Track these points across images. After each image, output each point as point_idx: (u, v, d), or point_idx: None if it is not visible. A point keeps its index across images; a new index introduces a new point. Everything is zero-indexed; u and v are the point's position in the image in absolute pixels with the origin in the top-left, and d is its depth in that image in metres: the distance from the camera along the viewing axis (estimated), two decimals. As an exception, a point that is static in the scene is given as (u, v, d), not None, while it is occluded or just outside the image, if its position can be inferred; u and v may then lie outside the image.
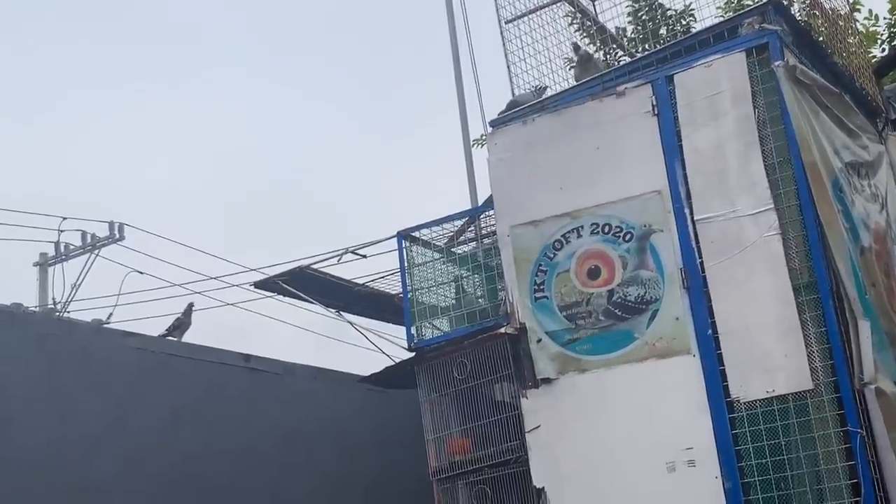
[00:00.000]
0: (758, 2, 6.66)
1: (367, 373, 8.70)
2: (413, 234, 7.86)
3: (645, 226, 6.49)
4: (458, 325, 7.44)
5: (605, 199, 6.63)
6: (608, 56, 9.61)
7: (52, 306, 14.16)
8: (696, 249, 6.31)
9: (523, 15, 7.89)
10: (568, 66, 7.94)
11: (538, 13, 8.08)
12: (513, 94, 7.61)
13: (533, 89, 7.67)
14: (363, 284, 9.30)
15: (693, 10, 9.20)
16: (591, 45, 9.32)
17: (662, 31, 9.74)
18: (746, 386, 6.01)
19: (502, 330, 6.85)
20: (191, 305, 11.07)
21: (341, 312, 9.39)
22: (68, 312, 13.54)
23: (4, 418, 7.97)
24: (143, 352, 9.28)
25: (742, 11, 6.82)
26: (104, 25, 37.05)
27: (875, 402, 5.88)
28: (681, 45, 6.78)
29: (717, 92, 6.39)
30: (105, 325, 10.88)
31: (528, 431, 6.60)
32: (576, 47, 7.74)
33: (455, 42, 9.55)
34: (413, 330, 7.61)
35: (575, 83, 7.41)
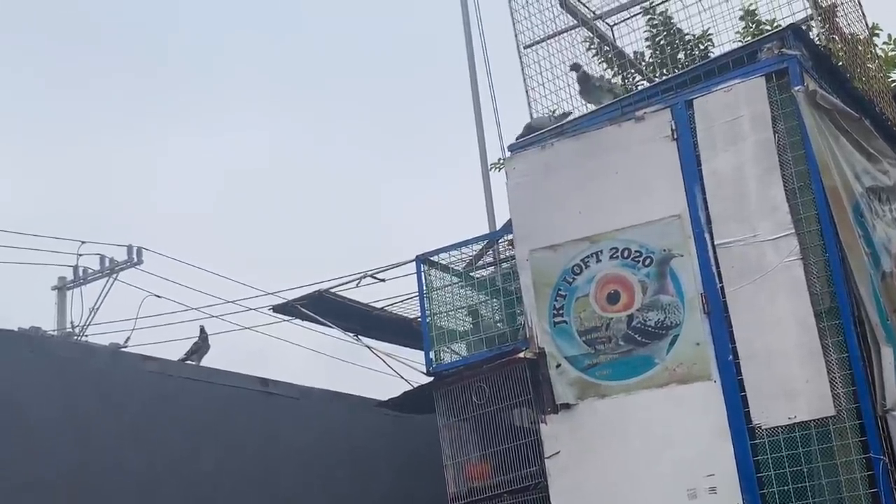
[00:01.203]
0: (777, 27, 6.66)
1: (384, 397, 8.68)
2: (432, 258, 7.86)
3: (665, 250, 6.48)
4: (477, 349, 7.42)
5: (625, 224, 6.62)
6: (626, 81, 9.63)
7: (71, 330, 14.23)
8: (716, 274, 6.29)
9: (542, 40, 7.93)
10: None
11: (556, 38, 8.12)
12: (531, 117, 7.62)
13: (550, 113, 7.68)
14: (382, 308, 9.29)
15: (711, 34, 9.22)
16: (609, 70, 9.36)
17: (680, 56, 9.74)
18: (768, 412, 5.96)
19: (521, 355, 6.82)
20: (202, 329, 11.09)
21: (359, 337, 9.37)
22: (86, 336, 13.61)
23: (24, 441, 7.98)
24: (161, 375, 9.29)
25: (762, 36, 6.82)
26: (117, 48, 37.35)
27: (898, 428, 5.83)
28: (700, 69, 6.79)
29: (736, 116, 6.38)
30: (123, 349, 10.92)
31: (548, 457, 6.57)
32: (574, 66, 7.72)
33: (473, 67, 9.57)
34: (431, 354, 7.60)
35: (594, 108, 7.42)
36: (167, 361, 9.70)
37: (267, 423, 10.03)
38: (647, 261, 6.52)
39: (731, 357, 6.14)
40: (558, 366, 6.64)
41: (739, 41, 8.50)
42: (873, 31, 9.53)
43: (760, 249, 6.17)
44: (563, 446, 6.53)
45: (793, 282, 6.04)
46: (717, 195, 6.37)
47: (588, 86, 7.51)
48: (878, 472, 5.68)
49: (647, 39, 9.94)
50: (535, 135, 7.26)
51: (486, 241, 7.94)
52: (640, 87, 8.10)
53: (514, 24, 7.97)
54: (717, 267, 6.29)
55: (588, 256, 6.70)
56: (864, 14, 8.53)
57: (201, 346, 10.88)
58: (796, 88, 6.22)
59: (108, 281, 15.23)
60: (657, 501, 6.21)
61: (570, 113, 7.59)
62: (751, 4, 9.37)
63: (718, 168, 6.39)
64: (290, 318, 9.67)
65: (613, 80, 7.90)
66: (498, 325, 7.69)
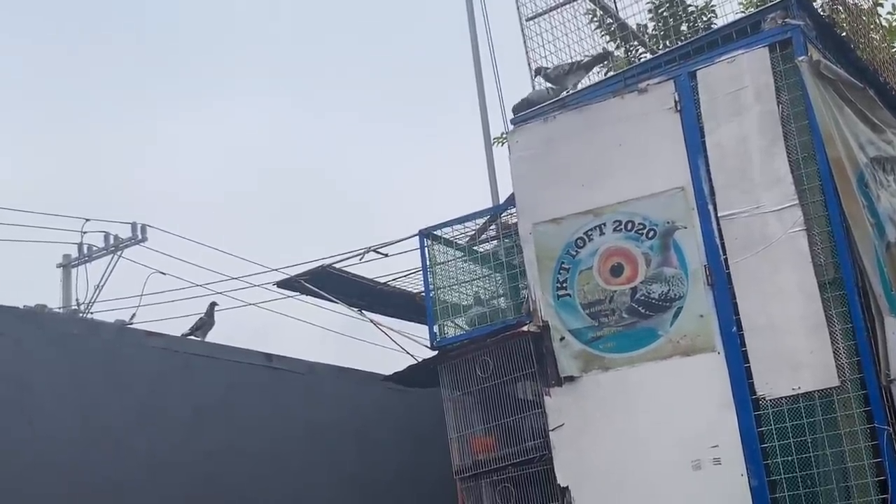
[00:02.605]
0: (780, -3, 6.60)
1: (388, 372, 8.70)
2: (435, 232, 7.85)
3: (668, 223, 6.46)
4: (481, 323, 7.43)
5: (628, 196, 6.60)
6: (629, 53, 9.57)
7: (76, 307, 14.27)
8: (720, 246, 6.28)
9: (544, 12, 7.87)
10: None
11: (559, 10, 8.06)
12: (533, 89, 7.58)
13: (549, 87, 7.61)
14: (385, 283, 9.29)
15: (714, 6, 9.16)
16: (612, 43, 9.29)
17: (683, 27, 9.67)
18: (772, 383, 5.97)
19: (525, 328, 6.83)
20: (213, 305, 11.11)
21: (363, 311, 9.38)
22: (91, 313, 13.66)
23: (29, 417, 8.01)
24: (166, 351, 9.31)
25: (765, 6, 6.77)
26: (130, 26, 37.22)
27: (902, 398, 5.83)
28: (703, 40, 6.74)
29: (740, 87, 6.35)
30: (128, 326, 10.93)
31: (552, 430, 6.58)
32: (537, 71, 7.64)
33: (475, 40, 9.55)
34: (435, 328, 7.60)
35: (597, 81, 7.38)
36: (172, 337, 9.72)
37: (272, 399, 10.06)
38: (651, 233, 6.51)
39: (734, 329, 6.14)
40: (562, 339, 6.64)
41: (743, 12, 8.43)
42: (877, 1, 9.46)
43: (764, 220, 6.15)
44: (567, 419, 6.55)
45: (797, 253, 6.03)
46: (721, 167, 6.34)
47: (556, 78, 7.45)
48: (883, 442, 5.68)
49: (649, 11, 9.87)
50: (536, 108, 7.22)
51: (489, 216, 7.92)
52: (643, 59, 8.04)
53: (516, -5, 7.91)
54: (721, 239, 6.28)
55: (591, 229, 6.68)
56: (868, -17, 8.49)
57: (206, 321, 10.90)
58: (800, 59, 6.17)
59: (112, 258, 15.30)
60: (661, 473, 6.23)
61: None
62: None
63: (722, 139, 6.36)
64: (295, 293, 9.68)
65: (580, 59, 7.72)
66: (500, 299, 7.70)
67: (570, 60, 7.68)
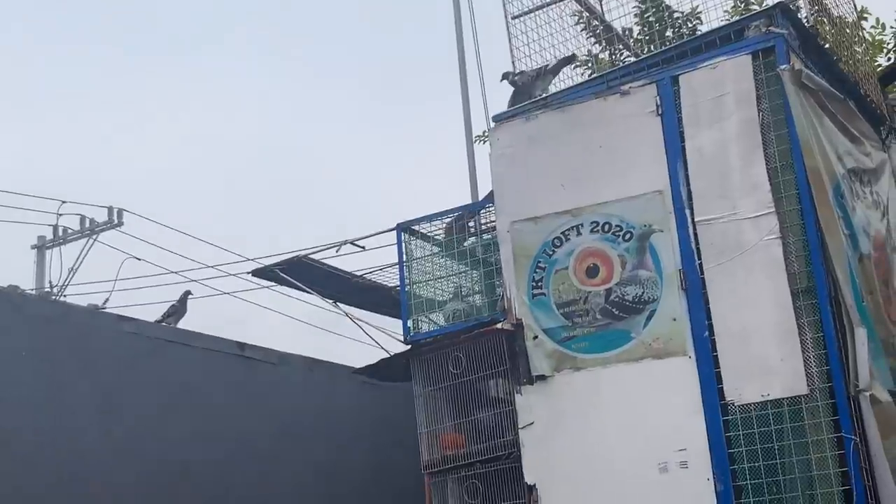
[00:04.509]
0: (765, 5, 6.64)
1: (361, 365, 8.69)
2: (413, 227, 7.85)
3: (645, 226, 6.48)
4: (459, 319, 7.43)
5: (607, 198, 6.61)
6: (613, 56, 9.60)
7: (49, 290, 14.17)
8: (695, 251, 6.29)
9: (530, 11, 7.86)
10: (572, 66, 7.91)
11: (545, 10, 8.06)
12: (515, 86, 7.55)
13: (533, 72, 7.56)
14: (361, 276, 9.27)
15: (700, 12, 9.18)
16: (598, 45, 9.31)
17: (669, 33, 9.71)
18: (741, 389, 5.99)
19: (499, 326, 6.83)
20: (187, 293, 11.07)
21: (338, 303, 9.36)
22: (65, 296, 13.56)
23: (-2, 398, 7.97)
24: (138, 336, 9.28)
25: (750, 14, 6.80)
26: (102, 7, 37.00)
27: (870, 409, 5.85)
28: (687, 46, 6.77)
29: (721, 94, 6.37)
30: (101, 310, 10.87)
31: (522, 428, 6.59)
32: (505, 76, 7.63)
33: (460, 36, 9.53)
34: (409, 323, 7.60)
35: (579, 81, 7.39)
36: (144, 322, 9.69)
37: (244, 388, 10.05)
38: (628, 235, 6.53)
39: (706, 333, 6.16)
40: (535, 337, 6.65)
41: (728, 20, 8.47)
42: (861, 14, 9.52)
43: (740, 227, 6.17)
44: (538, 417, 6.56)
45: (771, 260, 6.05)
46: (700, 172, 6.36)
47: (524, 84, 7.45)
48: (849, 452, 5.71)
49: (636, 15, 9.90)
50: (518, 107, 7.21)
51: (467, 212, 7.92)
52: (627, 62, 8.06)
53: (502, -8, 7.90)
54: (697, 243, 6.30)
55: (569, 229, 6.69)
56: (853, -4, 8.53)
57: (178, 308, 10.87)
58: (782, 67, 6.20)
59: (87, 241, 15.19)
60: (628, 474, 6.24)
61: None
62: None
63: (702, 145, 6.38)
64: (270, 283, 9.65)
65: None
66: (476, 297, 7.70)
67: (537, 66, 7.67)
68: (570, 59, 7.69)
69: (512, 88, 7.53)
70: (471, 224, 7.94)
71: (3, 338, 8.18)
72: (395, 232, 7.87)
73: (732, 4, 9.66)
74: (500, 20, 7.74)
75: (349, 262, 9.37)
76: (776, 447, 5.86)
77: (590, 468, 6.35)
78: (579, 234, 6.66)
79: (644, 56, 7.19)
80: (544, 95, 7.26)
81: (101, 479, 8.44)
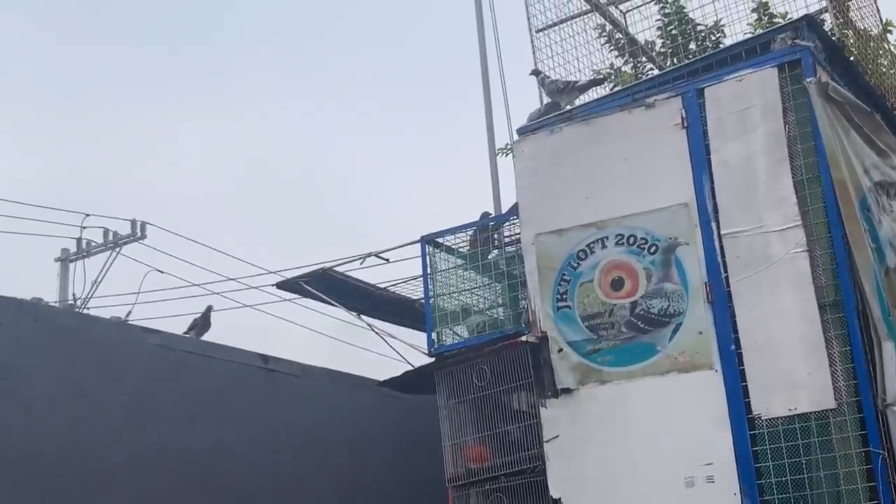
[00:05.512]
0: (790, 18, 6.63)
1: (383, 378, 8.69)
2: (437, 239, 7.86)
3: (671, 238, 6.47)
4: (480, 332, 7.43)
5: (632, 211, 6.61)
6: (637, 69, 9.59)
7: (72, 302, 14.26)
8: (721, 264, 6.28)
9: (554, 24, 7.91)
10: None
11: (569, 24, 8.09)
12: (541, 102, 7.60)
13: (563, 83, 7.59)
14: (385, 288, 9.29)
15: (724, 25, 9.18)
16: (620, 58, 9.32)
17: (692, 46, 9.70)
18: (768, 403, 5.97)
19: (523, 338, 6.82)
20: (210, 308, 11.09)
21: (362, 316, 9.37)
22: (88, 309, 13.64)
23: (26, 410, 8.00)
24: (162, 349, 9.30)
25: (775, 27, 6.79)
26: (131, 22, 37.28)
27: (898, 423, 5.83)
28: (712, 58, 6.77)
29: (747, 106, 6.36)
30: (126, 322, 10.92)
31: (547, 441, 6.58)
32: (536, 72, 7.66)
33: (484, 49, 9.57)
34: (433, 335, 7.60)
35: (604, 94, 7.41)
36: (169, 335, 9.71)
37: (267, 400, 10.05)
38: (653, 248, 6.52)
39: (733, 347, 6.14)
40: (560, 350, 6.64)
41: (751, 33, 8.46)
42: (887, 26, 9.48)
43: (767, 240, 6.16)
44: (562, 431, 6.54)
45: (798, 274, 6.03)
46: (726, 184, 6.36)
47: (551, 91, 7.49)
48: (877, 467, 5.68)
49: (658, 28, 9.90)
50: (540, 120, 7.23)
51: (491, 224, 7.93)
52: (651, 75, 8.07)
53: (527, 6, 7.94)
54: (723, 256, 6.28)
55: (594, 242, 6.69)
56: (878, 9, 8.50)
57: (199, 323, 10.90)
58: (808, 80, 6.19)
59: (111, 254, 15.27)
60: (654, 488, 6.22)
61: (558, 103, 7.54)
62: (763, -4, 9.32)
63: (727, 157, 6.37)
64: (294, 295, 9.67)
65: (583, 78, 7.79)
66: (498, 310, 7.70)
67: (570, 77, 7.71)
68: (599, 82, 7.72)
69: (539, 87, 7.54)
70: (495, 236, 7.94)
71: (30, 349, 8.22)
72: (419, 244, 7.89)
73: (756, 17, 9.64)
74: (524, 34, 7.78)
75: (373, 275, 9.39)
76: (803, 462, 5.83)
77: (615, 482, 6.33)
78: (604, 246, 6.65)
79: (669, 69, 7.18)
80: (569, 108, 7.28)
81: (125, 491, 8.46)
